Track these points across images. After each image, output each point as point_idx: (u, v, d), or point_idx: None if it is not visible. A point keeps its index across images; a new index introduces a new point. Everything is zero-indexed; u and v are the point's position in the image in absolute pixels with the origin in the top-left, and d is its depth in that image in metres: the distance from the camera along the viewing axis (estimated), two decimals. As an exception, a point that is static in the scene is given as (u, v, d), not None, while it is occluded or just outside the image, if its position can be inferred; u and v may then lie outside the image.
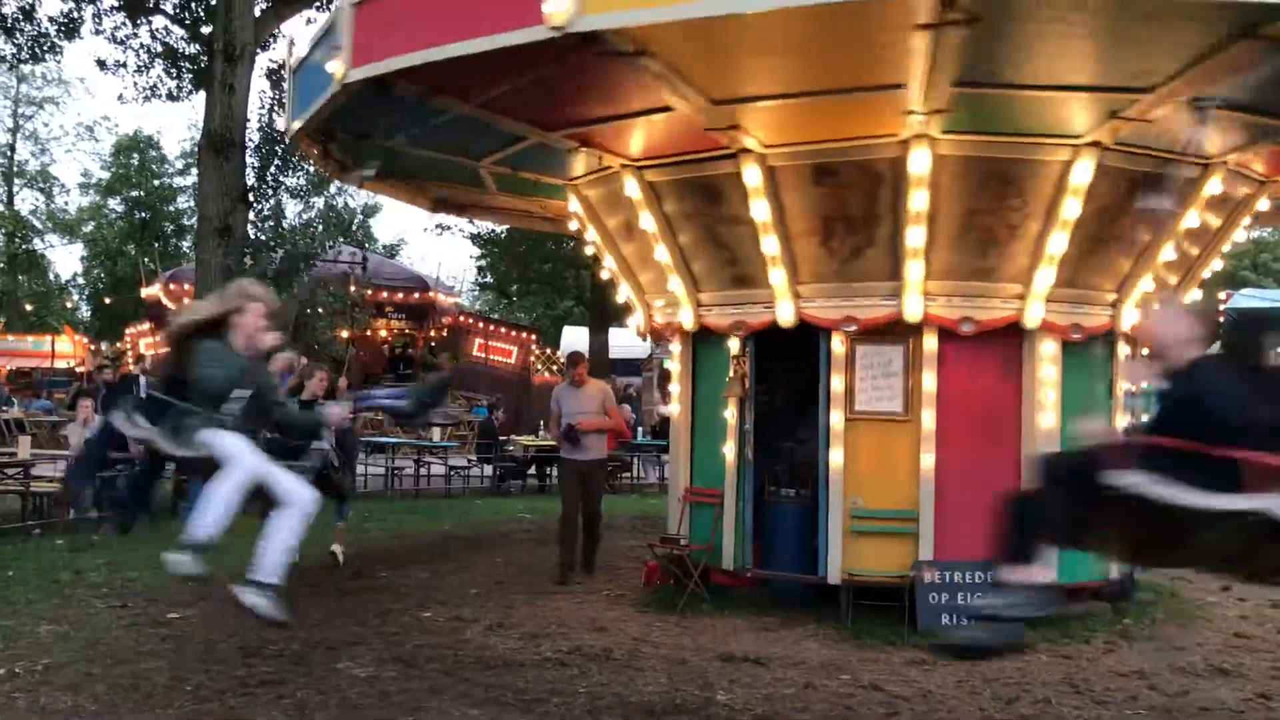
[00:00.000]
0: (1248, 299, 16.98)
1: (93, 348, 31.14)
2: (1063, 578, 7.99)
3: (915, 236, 7.63)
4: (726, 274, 8.53)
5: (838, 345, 8.21)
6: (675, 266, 8.63)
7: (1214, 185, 7.99)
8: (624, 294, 9.88)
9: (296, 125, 7.97)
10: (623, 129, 7.72)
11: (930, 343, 8.06)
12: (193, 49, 20.90)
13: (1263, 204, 8.93)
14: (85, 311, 45.37)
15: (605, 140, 7.96)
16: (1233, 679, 6.76)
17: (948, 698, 6.29)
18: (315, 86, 7.30)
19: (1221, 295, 16.05)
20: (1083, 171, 7.42)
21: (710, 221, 8.31)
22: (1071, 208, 7.55)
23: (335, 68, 6.50)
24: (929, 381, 8.05)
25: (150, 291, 26.59)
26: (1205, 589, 9.61)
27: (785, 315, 8.22)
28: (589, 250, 10.40)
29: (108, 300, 39.72)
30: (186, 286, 21.12)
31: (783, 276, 8.08)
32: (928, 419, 8.03)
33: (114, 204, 45.01)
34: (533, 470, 18.39)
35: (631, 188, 8.42)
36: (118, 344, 31.76)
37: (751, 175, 7.67)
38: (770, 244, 7.95)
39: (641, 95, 6.83)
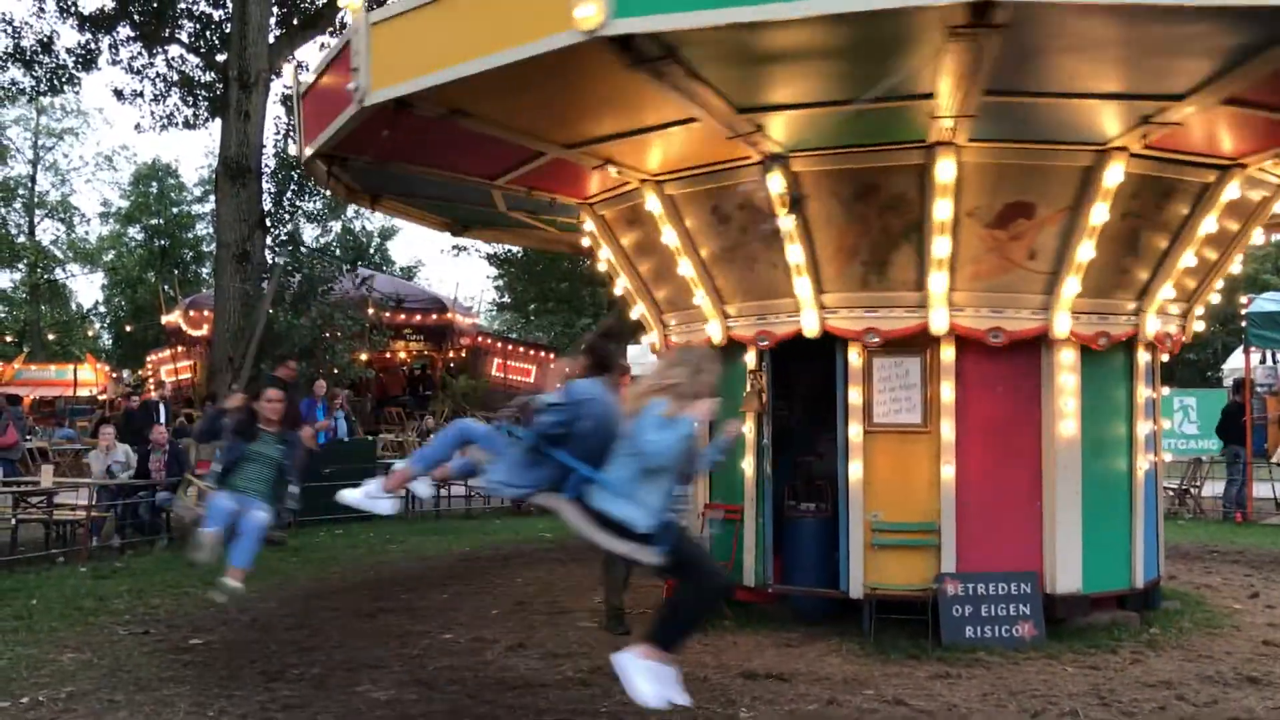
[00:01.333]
0: (1270, 302, 16.84)
1: (114, 375, 31.35)
2: (1088, 587, 8.02)
3: (941, 246, 7.59)
4: (751, 285, 8.48)
5: (855, 358, 8.18)
6: (700, 280, 8.58)
7: (1232, 190, 7.94)
8: (639, 312, 9.84)
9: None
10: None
11: (948, 354, 8.02)
12: (208, 77, 21.14)
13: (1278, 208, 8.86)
14: (107, 339, 45.70)
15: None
16: (1262, 687, 6.67)
17: (973, 711, 6.23)
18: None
19: (1244, 299, 15.93)
20: (1113, 176, 7.39)
21: (734, 232, 8.25)
22: (1099, 213, 7.52)
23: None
24: (947, 392, 8.01)
25: (170, 318, 26.78)
26: (1232, 596, 9.53)
27: (810, 326, 8.15)
28: (603, 268, 10.39)
29: (128, 328, 39.99)
30: (206, 313, 21.25)
31: (808, 286, 8.02)
32: (947, 430, 7.99)
33: (133, 232, 45.41)
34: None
35: (652, 203, 8.37)
36: (139, 371, 31.98)
37: (775, 183, 7.58)
38: (795, 253, 7.89)
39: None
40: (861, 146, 7.45)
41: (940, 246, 7.59)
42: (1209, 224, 8.05)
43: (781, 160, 7.42)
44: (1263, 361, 16.45)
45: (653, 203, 8.38)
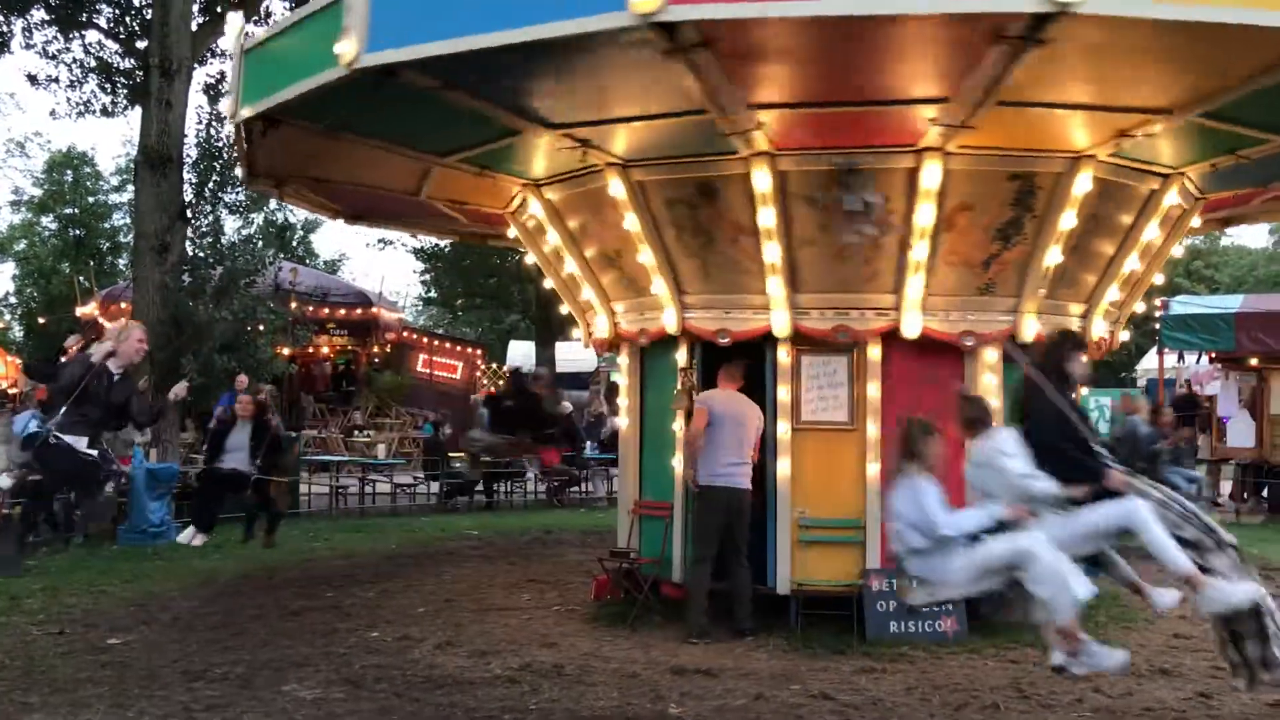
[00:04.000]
0: (1182, 305, 17.36)
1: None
2: (1008, 583, 8.17)
3: (920, 250, 7.69)
4: (715, 277, 8.46)
5: (784, 356, 8.26)
6: (660, 269, 8.49)
7: (1171, 197, 8.17)
8: (585, 295, 9.71)
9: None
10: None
11: (874, 353, 8.13)
12: (128, 63, 20.58)
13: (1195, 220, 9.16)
14: (18, 331, 44.36)
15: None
16: (1174, 679, 6.88)
17: (898, 705, 6.34)
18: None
19: (1158, 303, 16.39)
20: (1082, 184, 7.57)
21: (703, 224, 8.21)
22: (1068, 220, 7.70)
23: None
24: (873, 391, 8.12)
25: (85, 310, 26.07)
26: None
27: (780, 326, 8.16)
28: (533, 261, 10.31)
29: (41, 320, 38.87)
30: (123, 305, 20.72)
31: (779, 285, 8.03)
32: (873, 428, 8.10)
33: (47, 221, 44.06)
34: (480, 487, 18.27)
35: (616, 187, 8.19)
36: (52, 364, 31.05)
37: (761, 179, 7.58)
38: (772, 251, 7.88)
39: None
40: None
41: (919, 250, 7.69)
42: (1151, 230, 8.28)
43: (770, 157, 7.46)
44: (1180, 360, 16.94)
45: (616, 187, 8.20)
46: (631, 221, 8.32)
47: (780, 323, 8.13)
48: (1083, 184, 7.58)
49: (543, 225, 9.40)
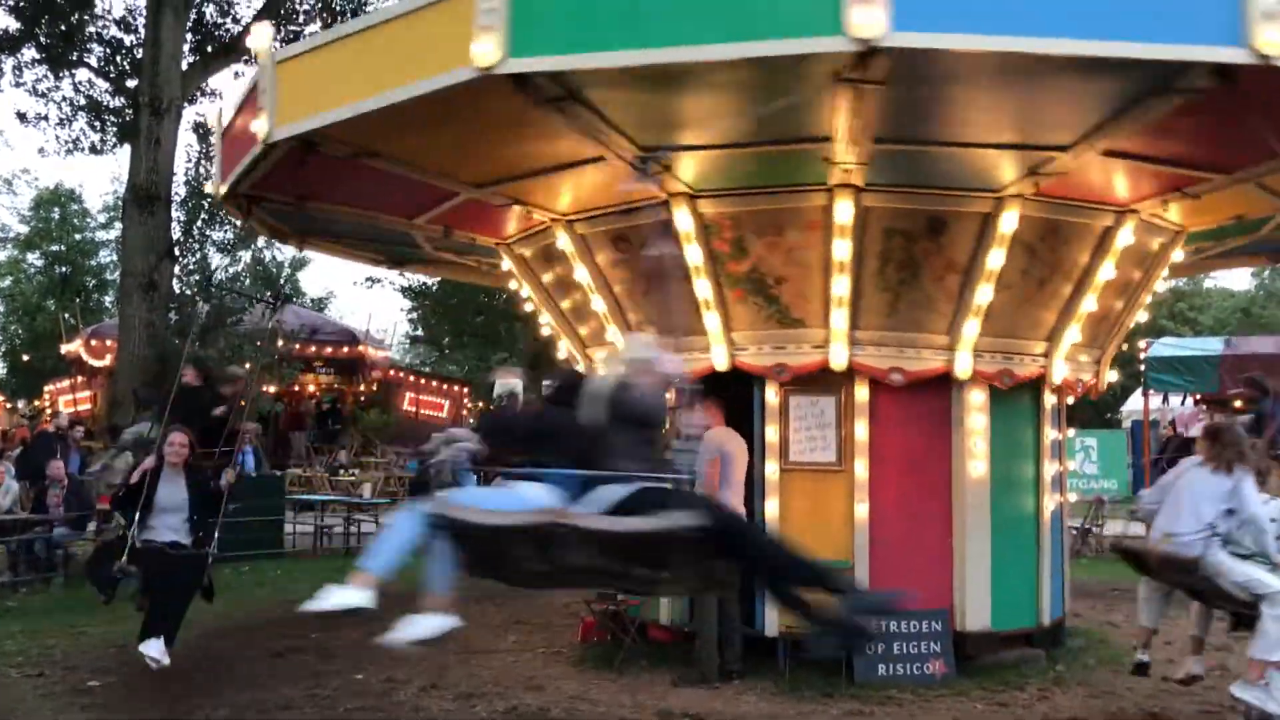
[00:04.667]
0: (1166, 347, 17.45)
1: (9, 406, 30.26)
2: (997, 625, 8.16)
3: (840, 285, 7.75)
4: (661, 321, 8.50)
5: (772, 396, 8.27)
6: (612, 316, 8.62)
7: (1126, 235, 8.23)
8: (565, 349, 9.84)
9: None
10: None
11: (862, 393, 8.15)
12: (117, 102, 20.68)
13: (1178, 254, 9.21)
14: (1, 368, 44.11)
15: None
16: (1164, 723, 6.85)
17: (887, 749, 6.29)
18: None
19: (1142, 344, 16.47)
20: (1008, 222, 7.60)
21: (639, 269, 8.28)
22: (996, 258, 7.72)
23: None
24: (861, 431, 8.13)
25: (71, 348, 26.00)
26: (1134, 634, 9.74)
27: (720, 361, 8.22)
28: (526, 305, 10.38)
29: (25, 357, 38.67)
30: (109, 343, 20.68)
31: (716, 322, 8.11)
32: (861, 468, 8.10)
33: (33, 258, 43.97)
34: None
35: (564, 241, 8.44)
36: (35, 401, 30.91)
37: (683, 220, 7.71)
38: (703, 288, 7.97)
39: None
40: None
41: (839, 285, 7.74)
42: (1108, 270, 8.33)
43: (689, 199, 7.54)
44: (1165, 401, 17.03)
45: (564, 241, 8.43)
46: (582, 273, 8.49)
47: (720, 358, 8.20)
48: (1009, 222, 7.62)
49: (519, 280, 9.45)
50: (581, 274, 8.56)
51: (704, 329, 8.17)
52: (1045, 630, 8.62)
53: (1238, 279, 50.99)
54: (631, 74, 5.34)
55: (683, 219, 7.71)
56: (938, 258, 7.82)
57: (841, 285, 7.75)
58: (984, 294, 7.86)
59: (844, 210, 7.43)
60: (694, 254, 7.85)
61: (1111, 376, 9.81)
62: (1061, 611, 9.06)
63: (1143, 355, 16.72)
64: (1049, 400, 8.85)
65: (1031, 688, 7.62)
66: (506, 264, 9.51)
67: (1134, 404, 25.29)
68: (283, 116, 6.28)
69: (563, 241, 8.47)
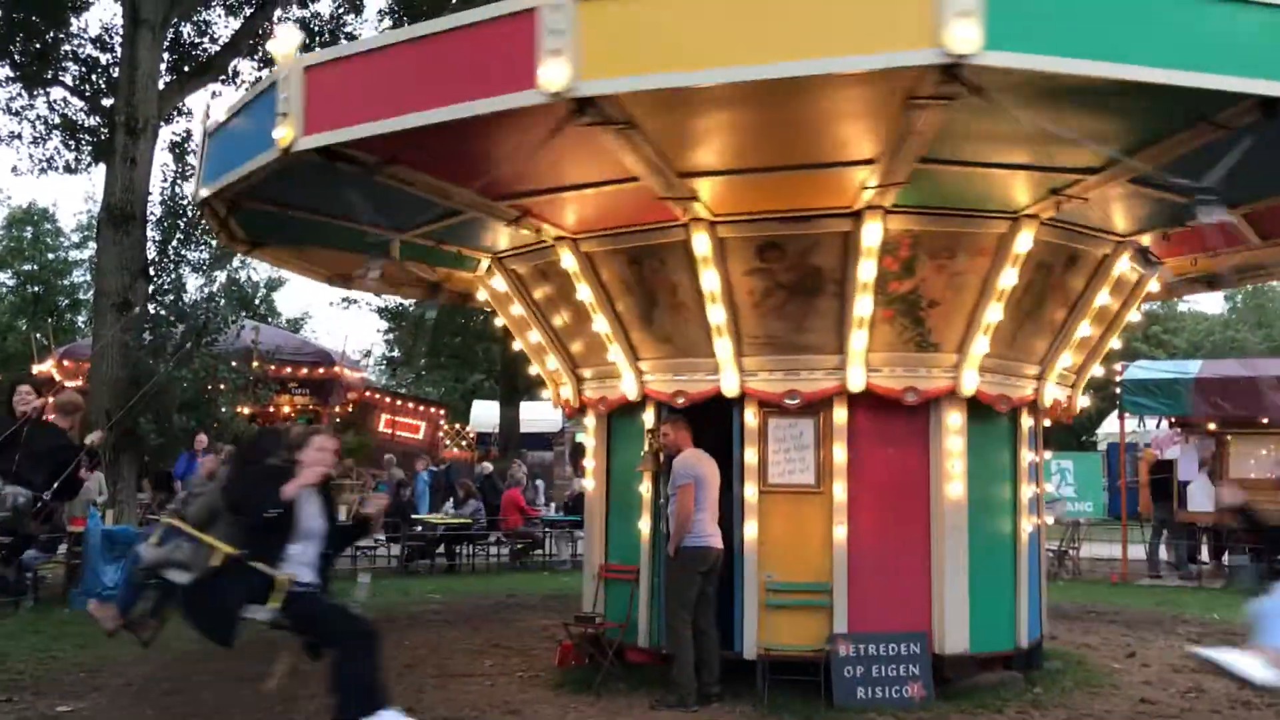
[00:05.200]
0: (1141, 370, 17.58)
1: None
2: (975, 648, 8.16)
3: (863, 306, 7.75)
4: (667, 343, 8.52)
5: (750, 418, 8.26)
6: (615, 336, 8.58)
7: (1123, 263, 8.31)
8: (551, 365, 9.75)
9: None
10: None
11: (840, 415, 8.15)
12: (93, 121, 20.58)
13: (1153, 285, 9.31)
14: (-29, 389, 43.59)
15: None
16: (1142, 746, 6.86)
17: (866, 773, 6.26)
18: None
19: (1117, 367, 16.59)
20: (1023, 243, 7.67)
21: (651, 291, 8.30)
22: (1009, 277, 7.78)
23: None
24: (840, 454, 8.13)
25: (43, 368, 25.70)
26: (1111, 656, 9.80)
27: (729, 386, 8.20)
28: (500, 323, 10.32)
29: (-4, 377, 38.28)
30: (82, 363, 20.47)
31: (727, 347, 8.09)
32: (840, 491, 8.10)
33: (4, 278, 43.63)
34: (441, 549, 18.05)
35: (568, 260, 8.37)
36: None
37: (701, 244, 7.69)
38: (716, 313, 7.96)
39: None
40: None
41: (862, 306, 7.74)
42: (1103, 296, 8.41)
43: (709, 224, 7.57)
44: (1141, 424, 17.18)
45: (568, 260, 8.39)
46: (584, 292, 8.44)
47: (730, 384, 8.18)
48: (1024, 243, 7.68)
49: (509, 296, 9.45)
50: (584, 293, 8.50)
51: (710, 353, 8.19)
52: (1023, 652, 8.62)
53: (1211, 302, 51.59)
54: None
55: (700, 244, 7.70)
56: (967, 276, 7.86)
57: (864, 306, 7.75)
58: (994, 313, 7.92)
59: (873, 232, 7.44)
60: (710, 280, 7.82)
61: (1086, 400, 9.87)
62: (1039, 634, 9.07)
63: (1118, 379, 16.85)
64: (1026, 423, 8.88)
65: (1010, 710, 7.61)
66: (497, 280, 9.40)
67: (1109, 427, 25.49)
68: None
69: (566, 260, 8.39)
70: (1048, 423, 9.54)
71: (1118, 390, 17.14)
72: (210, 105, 8.63)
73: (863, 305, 7.73)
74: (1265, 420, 16.43)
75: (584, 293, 8.50)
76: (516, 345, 10.37)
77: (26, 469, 7.99)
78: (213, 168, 7.66)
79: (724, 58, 5.02)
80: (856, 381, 7.98)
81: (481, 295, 10.27)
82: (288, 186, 7.24)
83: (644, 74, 5.15)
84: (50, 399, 8.77)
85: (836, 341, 7.98)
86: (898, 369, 8.09)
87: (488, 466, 22.45)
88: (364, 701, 5.68)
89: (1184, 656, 9.73)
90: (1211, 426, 16.97)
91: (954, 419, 8.22)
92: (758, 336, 8.11)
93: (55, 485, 8.14)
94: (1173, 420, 17.61)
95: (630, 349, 8.63)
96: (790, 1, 5.09)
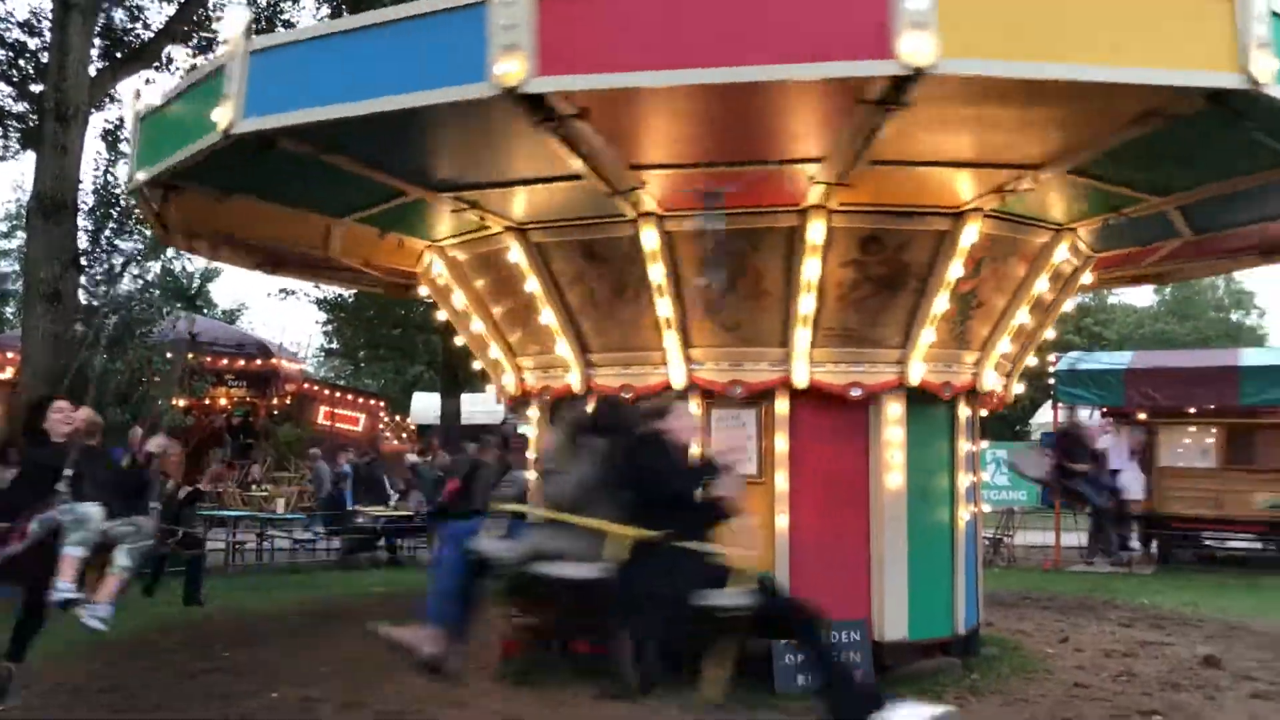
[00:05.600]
0: (1075, 360, 17.95)
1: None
2: (914, 635, 8.28)
3: (806, 303, 7.81)
4: (616, 336, 8.51)
5: (693, 409, 8.30)
6: (562, 329, 8.55)
7: (1061, 252, 8.47)
8: (494, 354, 9.66)
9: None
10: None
11: (782, 406, 8.22)
12: (20, 107, 20.07)
13: (1086, 276, 9.51)
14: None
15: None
16: (1075, 728, 7.01)
17: (808, 759, 6.34)
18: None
19: (1051, 358, 16.90)
20: (968, 236, 7.77)
21: (600, 283, 8.28)
22: (955, 270, 7.89)
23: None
24: (781, 444, 8.20)
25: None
26: (1045, 641, 10.00)
27: (677, 379, 8.24)
28: (441, 314, 10.23)
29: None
30: (10, 355, 20.01)
31: (675, 340, 8.11)
32: (781, 480, 8.17)
33: (-71, 268, 42.51)
34: (382, 542, 17.93)
35: (515, 252, 8.30)
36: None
37: (649, 239, 7.69)
38: (664, 306, 7.96)
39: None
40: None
41: (805, 303, 7.81)
42: (1041, 284, 8.58)
43: (658, 218, 7.57)
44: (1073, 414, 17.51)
45: (515, 252, 8.32)
46: (533, 284, 8.42)
47: (678, 377, 8.22)
48: (969, 236, 7.80)
49: (450, 285, 9.39)
50: (532, 284, 8.44)
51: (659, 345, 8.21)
52: (961, 639, 8.76)
53: (1141, 296, 52.66)
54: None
55: (648, 238, 7.71)
56: (902, 273, 7.96)
57: (807, 303, 7.83)
58: (940, 304, 8.02)
59: (816, 230, 7.51)
60: (656, 273, 7.82)
61: (1020, 388, 10.05)
62: (976, 620, 9.22)
63: (1052, 369, 17.16)
64: (964, 412, 9.02)
65: (948, 696, 7.73)
66: (437, 268, 9.30)
67: (1043, 416, 25.95)
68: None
69: (514, 252, 8.32)
70: (984, 413, 9.70)
71: (1051, 381, 17.47)
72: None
73: (806, 303, 7.81)
74: (1193, 410, 16.87)
75: (532, 285, 8.44)
76: (459, 340, 10.29)
77: (113, 500, 7.59)
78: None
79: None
80: (800, 377, 8.05)
81: (423, 290, 10.17)
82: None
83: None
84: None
85: (782, 335, 8.04)
86: (842, 364, 8.18)
87: (412, 458, 22.29)
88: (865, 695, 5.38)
89: (1115, 640, 9.98)
90: (1142, 416, 17.37)
91: (894, 409, 8.32)
92: (702, 330, 8.14)
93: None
94: (1104, 410, 17.98)
95: (579, 342, 8.61)
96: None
